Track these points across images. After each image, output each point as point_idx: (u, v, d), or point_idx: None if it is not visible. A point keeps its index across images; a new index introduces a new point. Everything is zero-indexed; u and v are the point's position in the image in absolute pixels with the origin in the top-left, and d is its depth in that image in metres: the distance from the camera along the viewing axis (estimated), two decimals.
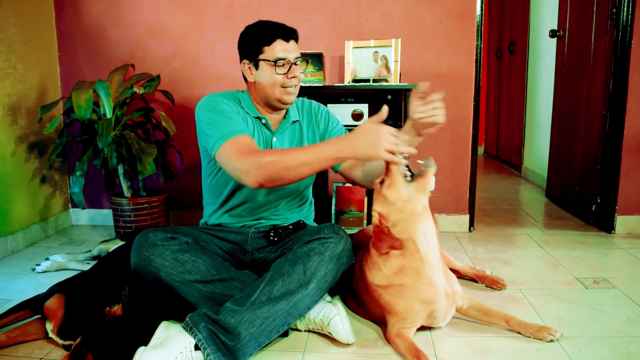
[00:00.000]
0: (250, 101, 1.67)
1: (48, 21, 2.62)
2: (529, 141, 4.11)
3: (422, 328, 1.50)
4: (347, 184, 2.47)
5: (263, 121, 1.66)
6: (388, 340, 1.43)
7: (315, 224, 1.78)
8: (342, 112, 2.33)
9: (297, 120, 1.74)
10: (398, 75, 2.34)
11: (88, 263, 2.09)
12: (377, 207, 1.43)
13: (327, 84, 2.49)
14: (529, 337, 1.45)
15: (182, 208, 2.74)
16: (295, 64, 1.58)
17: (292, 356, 1.39)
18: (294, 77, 1.58)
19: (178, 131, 2.51)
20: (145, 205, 2.39)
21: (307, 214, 1.80)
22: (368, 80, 2.34)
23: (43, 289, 1.57)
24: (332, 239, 1.45)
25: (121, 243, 2.05)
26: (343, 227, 1.61)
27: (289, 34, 1.57)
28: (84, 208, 2.37)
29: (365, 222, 2.47)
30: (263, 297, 1.34)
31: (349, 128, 2.31)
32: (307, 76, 2.40)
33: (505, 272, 1.98)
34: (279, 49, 1.55)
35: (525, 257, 2.19)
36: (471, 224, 2.62)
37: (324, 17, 2.52)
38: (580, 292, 1.79)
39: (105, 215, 2.81)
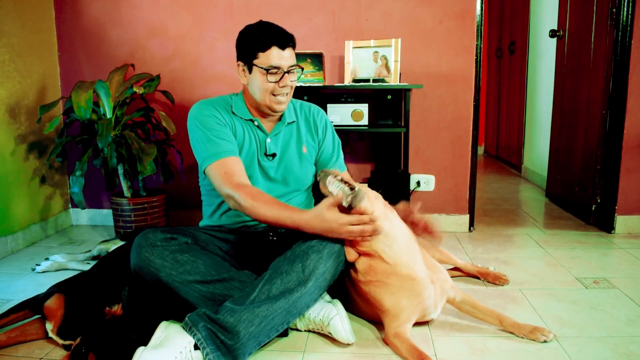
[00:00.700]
0: (243, 104, 1.68)
1: (48, 21, 2.62)
2: (529, 141, 4.11)
3: (417, 324, 1.51)
4: None
5: (256, 123, 1.67)
6: (386, 342, 1.43)
7: None
8: (342, 112, 2.33)
9: (293, 121, 1.74)
10: (398, 75, 2.34)
11: (88, 263, 2.09)
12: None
13: (327, 84, 2.49)
14: (522, 337, 1.45)
15: (182, 208, 2.74)
16: (288, 72, 1.58)
17: (292, 356, 1.39)
18: (284, 86, 1.58)
19: (178, 131, 2.51)
20: (145, 205, 2.39)
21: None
22: (368, 80, 2.34)
23: (43, 289, 1.57)
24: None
25: (121, 243, 2.05)
26: None
27: (286, 42, 1.56)
28: (83, 208, 2.38)
29: None
30: (262, 295, 1.34)
31: (349, 128, 2.32)
32: (307, 76, 2.40)
33: (505, 272, 1.98)
34: (274, 56, 1.54)
35: (525, 257, 2.19)
36: (471, 223, 2.62)
37: (324, 17, 2.52)
38: (580, 292, 1.79)
39: (105, 215, 2.81)
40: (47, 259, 2.12)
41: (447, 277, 1.54)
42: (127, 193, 2.45)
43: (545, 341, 1.42)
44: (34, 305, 1.51)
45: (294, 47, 1.61)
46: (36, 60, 2.52)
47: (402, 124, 2.35)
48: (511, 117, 4.57)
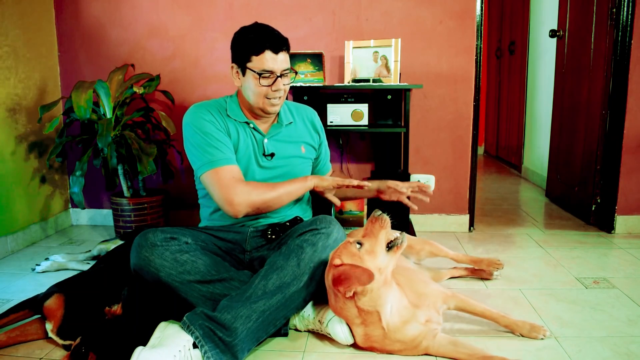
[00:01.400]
0: (237, 106, 1.68)
1: (48, 21, 2.62)
2: (529, 141, 4.11)
3: None
4: None
5: (251, 125, 1.67)
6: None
7: None
8: (342, 112, 2.33)
9: (290, 122, 1.75)
10: (398, 75, 2.34)
11: (88, 263, 2.09)
12: (347, 262, 1.29)
13: (327, 84, 2.49)
14: (519, 335, 1.45)
15: (182, 208, 2.74)
16: (281, 76, 1.58)
17: (292, 356, 1.39)
18: (277, 89, 1.58)
19: (178, 131, 2.51)
20: (145, 205, 2.39)
21: (304, 212, 1.80)
22: (368, 80, 2.34)
23: (43, 289, 1.57)
24: (324, 229, 1.46)
25: (121, 243, 2.05)
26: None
27: (279, 45, 1.56)
28: (83, 208, 2.38)
29: (365, 221, 2.47)
30: (259, 291, 1.35)
31: (349, 128, 2.32)
32: (307, 76, 2.40)
33: (505, 272, 1.98)
34: (267, 60, 1.54)
35: (525, 257, 2.19)
36: (471, 223, 2.62)
37: (324, 17, 2.52)
38: (580, 292, 1.79)
39: (105, 215, 2.81)
40: (47, 259, 2.12)
41: (436, 296, 1.45)
42: (127, 193, 2.45)
43: (542, 338, 1.43)
44: (33, 305, 1.51)
45: (288, 50, 1.60)
46: (36, 60, 2.52)
47: (402, 124, 2.35)
48: (511, 117, 4.57)
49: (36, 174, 2.53)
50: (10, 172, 2.35)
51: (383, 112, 2.51)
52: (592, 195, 2.66)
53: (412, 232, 2.36)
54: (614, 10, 2.42)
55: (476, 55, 2.47)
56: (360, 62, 2.37)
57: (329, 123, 2.34)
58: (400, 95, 2.43)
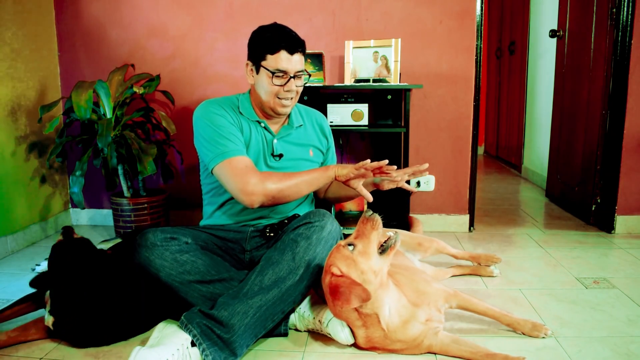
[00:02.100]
0: (250, 104, 1.68)
1: (48, 21, 2.62)
2: (529, 141, 4.11)
3: None
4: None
5: (262, 125, 1.67)
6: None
7: None
8: (342, 112, 2.33)
9: (301, 125, 1.75)
10: (398, 75, 2.34)
11: None
12: (344, 270, 1.27)
13: (327, 84, 2.49)
14: (520, 334, 1.45)
15: (182, 208, 2.74)
16: (294, 77, 1.58)
17: (292, 356, 1.39)
18: (289, 90, 1.58)
19: (178, 131, 2.51)
20: (145, 205, 2.39)
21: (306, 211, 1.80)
22: (368, 80, 2.34)
23: None
24: (318, 222, 1.46)
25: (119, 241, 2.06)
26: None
27: (295, 47, 1.57)
28: (83, 208, 2.38)
29: None
30: (255, 287, 1.35)
31: (349, 128, 2.32)
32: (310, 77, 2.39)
33: (505, 272, 1.98)
34: (282, 60, 1.55)
35: (525, 257, 2.19)
36: (471, 224, 2.62)
37: (324, 17, 2.52)
38: (580, 292, 1.79)
39: (105, 215, 2.81)
40: (47, 259, 2.11)
41: (438, 294, 1.45)
42: (127, 193, 2.45)
43: (544, 337, 1.43)
44: (36, 298, 1.56)
45: (303, 52, 1.61)
46: (36, 60, 2.52)
47: (402, 124, 2.35)
48: (511, 117, 4.57)
49: (36, 174, 2.53)
50: (10, 172, 2.35)
51: (383, 112, 2.51)
52: (592, 195, 2.66)
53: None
54: (614, 10, 2.42)
55: (476, 55, 2.47)
56: (360, 62, 2.37)
57: (329, 123, 2.34)
58: (400, 95, 2.43)
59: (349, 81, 2.38)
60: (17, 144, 2.40)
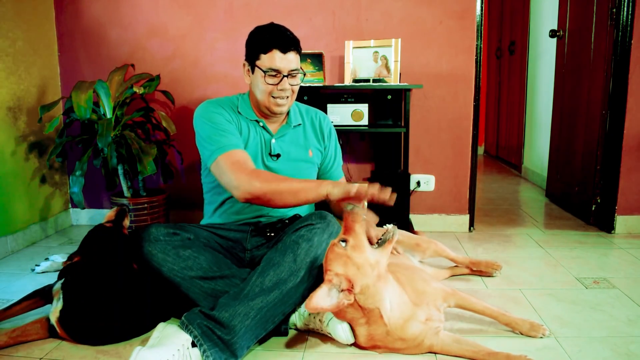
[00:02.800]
0: (248, 104, 1.69)
1: (48, 21, 2.62)
2: (529, 141, 4.11)
3: None
4: None
5: (261, 124, 1.68)
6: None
7: None
8: (342, 112, 2.33)
9: (299, 124, 1.75)
10: (398, 75, 2.34)
11: None
12: (340, 270, 1.26)
13: (327, 84, 2.49)
14: (518, 334, 1.45)
15: (182, 208, 2.74)
16: (288, 76, 1.58)
17: (292, 356, 1.39)
18: (283, 89, 1.59)
19: (178, 131, 2.51)
20: (146, 205, 2.39)
21: (307, 212, 1.80)
22: (368, 80, 2.34)
23: None
24: (319, 224, 1.46)
25: None
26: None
27: (288, 46, 1.57)
28: (83, 208, 2.37)
29: None
30: (256, 288, 1.35)
31: (349, 128, 2.32)
32: (307, 76, 2.39)
33: (505, 272, 1.98)
34: (274, 58, 1.56)
35: (525, 257, 2.19)
36: (471, 224, 2.62)
37: (324, 17, 2.52)
38: (580, 292, 1.79)
39: (105, 215, 2.81)
40: (46, 259, 2.12)
41: (437, 294, 1.45)
42: (127, 193, 2.45)
43: (542, 337, 1.43)
44: (43, 293, 1.56)
45: (298, 51, 1.62)
46: (36, 60, 2.52)
47: (402, 124, 2.35)
48: (511, 117, 4.57)
49: (36, 174, 2.53)
50: (10, 172, 2.35)
51: (383, 112, 2.51)
52: (592, 195, 2.66)
53: (412, 232, 2.35)
54: (614, 10, 2.42)
55: (476, 55, 2.47)
56: (360, 62, 2.37)
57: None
58: (400, 95, 2.43)
59: (349, 81, 2.38)
60: (17, 144, 2.39)
